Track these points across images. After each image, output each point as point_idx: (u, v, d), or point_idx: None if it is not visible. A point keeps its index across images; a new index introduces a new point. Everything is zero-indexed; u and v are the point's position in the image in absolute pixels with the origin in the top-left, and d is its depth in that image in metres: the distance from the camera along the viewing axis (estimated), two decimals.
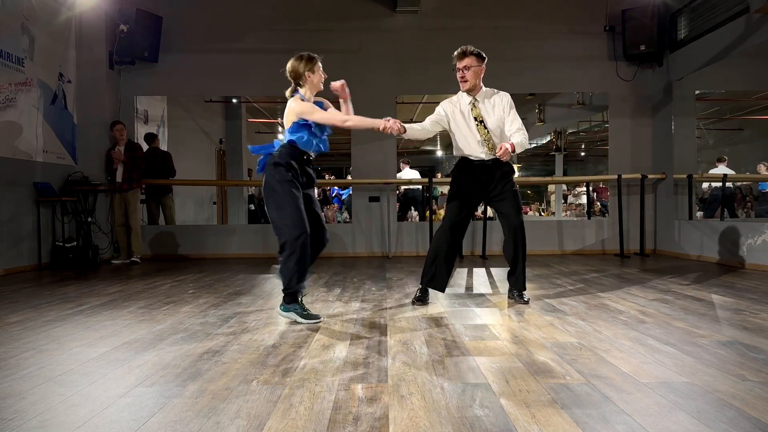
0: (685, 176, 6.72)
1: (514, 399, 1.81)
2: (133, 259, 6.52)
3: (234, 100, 12.05)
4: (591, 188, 11.84)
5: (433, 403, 1.79)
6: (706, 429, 1.56)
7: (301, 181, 3.13)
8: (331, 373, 2.11)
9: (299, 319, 3.01)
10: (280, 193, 3.00)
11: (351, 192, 8.19)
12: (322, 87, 3.48)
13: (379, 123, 3.27)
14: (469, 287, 4.33)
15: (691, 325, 2.87)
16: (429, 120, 3.62)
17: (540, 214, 15.91)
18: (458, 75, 3.56)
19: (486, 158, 3.52)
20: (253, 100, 12.04)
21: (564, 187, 15.66)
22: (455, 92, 3.69)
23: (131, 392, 1.91)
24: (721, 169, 8.55)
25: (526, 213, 13.33)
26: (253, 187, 13.66)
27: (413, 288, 4.28)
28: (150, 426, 1.62)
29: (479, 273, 5.27)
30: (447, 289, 3.81)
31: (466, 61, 3.51)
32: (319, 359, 2.31)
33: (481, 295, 3.95)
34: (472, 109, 3.56)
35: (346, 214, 12.62)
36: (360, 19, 7.26)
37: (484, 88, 3.61)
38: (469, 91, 3.57)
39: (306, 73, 3.41)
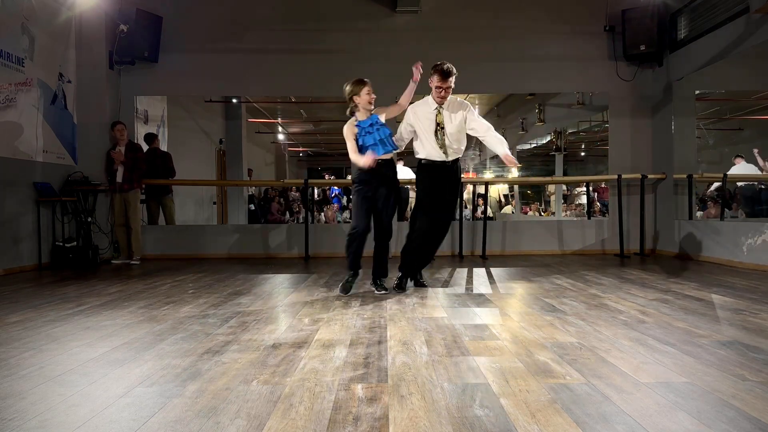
0: (685, 176, 6.72)
1: (514, 399, 1.81)
2: (132, 260, 6.52)
3: (234, 100, 12.05)
4: (591, 188, 11.84)
5: (433, 403, 1.79)
6: (706, 429, 1.56)
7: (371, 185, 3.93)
8: (331, 373, 2.11)
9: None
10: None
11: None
12: (372, 106, 4.00)
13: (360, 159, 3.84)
14: (469, 287, 4.33)
15: (691, 325, 2.87)
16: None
17: (540, 214, 15.90)
18: (438, 93, 3.94)
19: (446, 160, 4.02)
20: (253, 100, 12.04)
21: (564, 187, 15.64)
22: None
23: (131, 392, 1.91)
24: (741, 167, 8.53)
25: (526, 213, 13.31)
26: (253, 187, 13.68)
27: (413, 288, 4.28)
28: (150, 426, 1.62)
29: (479, 273, 5.27)
30: (447, 289, 3.80)
31: (450, 82, 3.90)
32: (319, 359, 2.31)
33: (481, 295, 3.95)
34: (436, 116, 3.99)
35: (346, 214, 12.61)
36: (360, 19, 7.26)
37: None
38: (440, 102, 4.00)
39: (354, 97, 3.91)
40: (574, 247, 7.32)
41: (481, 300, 3.73)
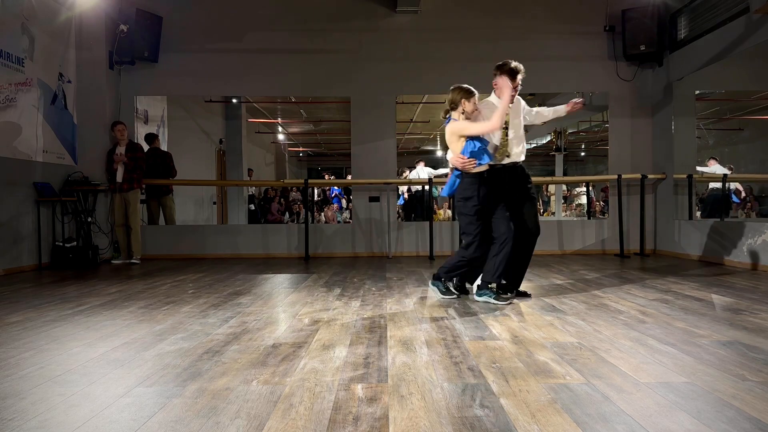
0: (685, 176, 6.72)
1: (514, 399, 1.81)
2: (132, 259, 6.52)
3: (234, 100, 12.05)
4: (592, 187, 11.82)
5: (433, 403, 1.79)
6: (706, 429, 1.56)
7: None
8: (331, 373, 2.11)
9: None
10: None
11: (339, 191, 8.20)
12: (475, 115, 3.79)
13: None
14: (469, 287, 4.32)
15: (691, 325, 2.87)
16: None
17: (540, 214, 15.90)
18: (515, 90, 3.76)
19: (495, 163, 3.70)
20: (253, 100, 12.04)
21: (564, 188, 15.63)
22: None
23: (131, 392, 1.91)
24: (713, 169, 8.59)
25: None
26: (253, 188, 13.69)
27: (413, 288, 4.28)
28: (150, 426, 1.62)
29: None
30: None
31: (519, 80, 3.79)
32: (319, 359, 2.31)
33: None
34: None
35: (346, 214, 12.61)
36: (360, 19, 7.26)
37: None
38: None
39: (463, 100, 3.69)
40: (574, 247, 7.32)
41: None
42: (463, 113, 3.64)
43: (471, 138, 3.56)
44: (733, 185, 9.40)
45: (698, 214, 8.51)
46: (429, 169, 10.41)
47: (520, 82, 3.75)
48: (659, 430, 1.56)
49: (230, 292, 4.15)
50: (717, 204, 8.50)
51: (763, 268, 5.19)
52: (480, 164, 3.55)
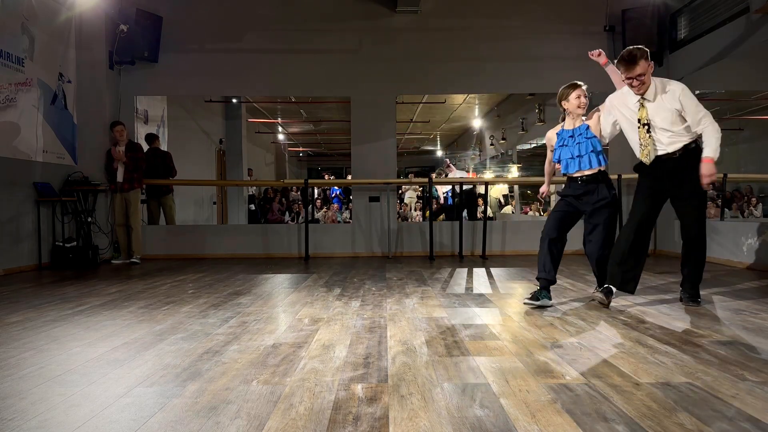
0: None
1: (514, 399, 1.81)
2: (133, 259, 6.52)
3: (234, 100, 12.06)
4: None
5: (433, 403, 1.79)
6: (706, 429, 1.56)
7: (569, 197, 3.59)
8: (331, 373, 2.11)
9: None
10: None
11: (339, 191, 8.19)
12: (581, 111, 3.57)
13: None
14: (469, 287, 4.33)
15: (691, 325, 2.87)
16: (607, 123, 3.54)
17: (540, 214, 15.88)
18: (630, 85, 3.25)
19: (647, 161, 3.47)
20: (253, 100, 12.05)
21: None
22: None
23: (131, 392, 1.91)
24: None
25: (526, 213, 13.29)
26: (253, 188, 13.68)
27: (413, 288, 4.28)
28: (150, 426, 1.62)
29: (479, 273, 5.27)
30: (447, 289, 3.79)
31: (639, 69, 3.16)
32: (319, 359, 2.31)
33: (481, 295, 3.95)
34: (639, 109, 3.30)
35: (346, 214, 12.61)
36: (360, 19, 7.26)
37: (653, 82, 3.26)
38: (642, 93, 3.28)
39: (562, 101, 3.57)
40: (574, 247, 7.31)
41: (481, 300, 3.73)
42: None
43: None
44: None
45: None
46: (461, 172, 10.40)
47: (631, 73, 3.21)
48: (659, 430, 1.56)
49: (230, 292, 4.15)
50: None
51: (763, 267, 5.19)
52: None
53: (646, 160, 3.50)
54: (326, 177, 18.23)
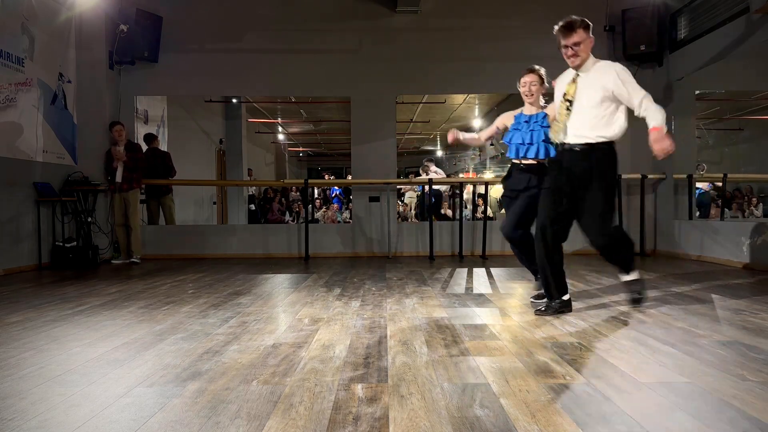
0: (685, 176, 6.71)
1: (514, 399, 1.81)
2: (132, 259, 6.52)
3: (234, 100, 12.05)
4: None
5: (433, 403, 1.79)
6: (706, 429, 1.56)
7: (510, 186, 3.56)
8: (331, 373, 2.11)
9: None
10: None
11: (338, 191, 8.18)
12: (533, 99, 3.63)
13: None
14: (469, 287, 4.33)
15: (691, 325, 2.87)
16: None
17: None
18: (566, 54, 3.11)
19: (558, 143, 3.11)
20: (253, 100, 12.04)
21: None
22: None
23: (131, 392, 1.91)
24: None
25: None
26: (254, 187, 13.68)
27: (413, 288, 4.28)
28: (150, 426, 1.62)
29: (479, 273, 5.27)
30: (447, 289, 3.78)
31: (576, 37, 3.10)
32: (319, 359, 2.30)
33: (481, 295, 3.95)
34: (569, 84, 3.14)
35: (346, 214, 12.60)
36: (360, 19, 7.26)
37: (594, 60, 3.13)
38: (577, 67, 3.12)
39: (518, 86, 3.52)
40: (574, 247, 7.31)
41: (481, 300, 3.73)
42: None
43: None
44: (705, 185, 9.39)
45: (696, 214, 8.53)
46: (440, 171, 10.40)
47: (568, 40, 3.27)
48: (659, 430, 1.56)
49: (230, 292, 4.15)
50: (702, 206, 8.60)
51: (763, 267, 5.19)
52: None
53: (553, 137, 3.21)
54: (326, 177, 18.23)
